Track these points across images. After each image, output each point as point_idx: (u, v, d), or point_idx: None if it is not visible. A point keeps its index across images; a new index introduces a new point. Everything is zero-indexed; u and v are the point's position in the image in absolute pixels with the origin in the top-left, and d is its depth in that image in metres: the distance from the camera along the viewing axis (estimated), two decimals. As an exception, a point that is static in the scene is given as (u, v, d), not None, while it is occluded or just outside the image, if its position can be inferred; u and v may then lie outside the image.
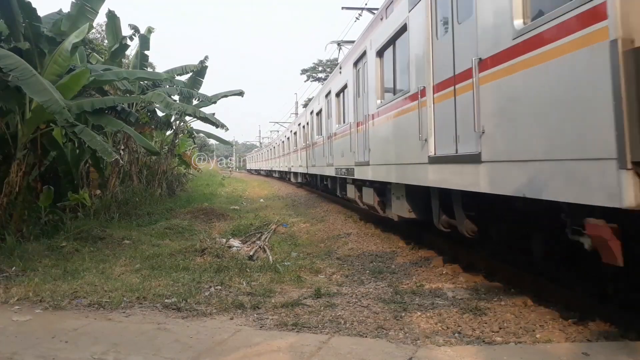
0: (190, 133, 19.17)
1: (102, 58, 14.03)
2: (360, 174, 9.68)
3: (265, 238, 9.09)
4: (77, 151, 10.92)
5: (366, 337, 3.96)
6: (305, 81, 57.90)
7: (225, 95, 16.40)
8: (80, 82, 9.35)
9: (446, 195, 5.94)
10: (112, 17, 12.99)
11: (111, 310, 4.75)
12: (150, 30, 14.54)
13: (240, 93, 16.31)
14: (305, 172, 20.66)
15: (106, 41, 14.93)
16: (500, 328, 4.09)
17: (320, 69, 56.94)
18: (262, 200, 18.88)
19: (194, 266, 6.64)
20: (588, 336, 3.82)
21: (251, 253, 7.56)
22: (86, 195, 10.06)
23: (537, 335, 3.89)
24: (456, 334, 4.00)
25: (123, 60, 14.79)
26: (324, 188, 17.61)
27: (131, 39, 13.61)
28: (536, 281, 5.10)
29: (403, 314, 4.51)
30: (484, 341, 3.83)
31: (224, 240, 8.52)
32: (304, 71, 58.98)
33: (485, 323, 4.23)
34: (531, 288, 5.03)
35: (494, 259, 6.03)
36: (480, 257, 6.30)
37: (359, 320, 4.38)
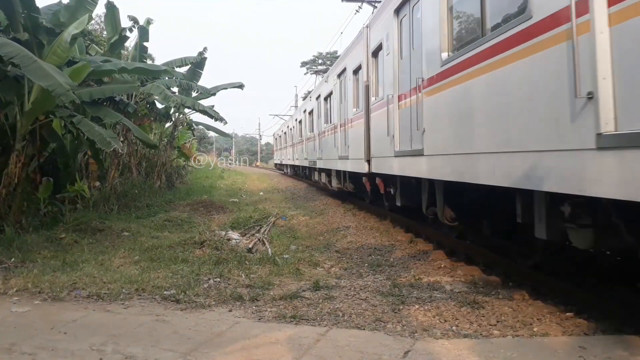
0: (190, 125, 19.07)
1: (101, 49, 13.95)
2: (319, 164, 16.86)
3: (265, 231, 9.09)
4: (76, 142, 10.88)
5: (364, 329, 3.97)
6: (305, 74, 57.75)
7: (224, 87, 16.33)
8: (80, 76, 9.31)
9: (344, 173, 13.13)
10: (110, 8, 12.90)
11: (110, 302, 4.76)
12: (149, 22, 14.43)
13: (240, 86, 16.22)
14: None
15: (105, 32, 14.82)
16: (497, 321, 4.11)
17: (320, 61, 56.74)
18: (261, 193, 18.88)
19: (193, 258, 6.65)
20: (585, 330, 3.83)
21: (250, 246, 7.56)
22: (85, 187, 10.05)
23: (535, 329, 3.91)
24: (454, 327, 4.02)
25: (122, 52, 14.70)
26: (304, 175, 26.60)
27: (130, 30, 13.53)
28: (534, 275, 5.12)
29: (401, 307, 4.53)
30: (481, 334, 3.85)
31: (223, 232, 8.51)
32: (303, 64, 58.82)
33: (483, 316, 4.25)
34: (529, 282, 5.05)
35: (493, 252, 6.05)
36: (478, 250, 6.32)
37: (357, 312, 4.40)
